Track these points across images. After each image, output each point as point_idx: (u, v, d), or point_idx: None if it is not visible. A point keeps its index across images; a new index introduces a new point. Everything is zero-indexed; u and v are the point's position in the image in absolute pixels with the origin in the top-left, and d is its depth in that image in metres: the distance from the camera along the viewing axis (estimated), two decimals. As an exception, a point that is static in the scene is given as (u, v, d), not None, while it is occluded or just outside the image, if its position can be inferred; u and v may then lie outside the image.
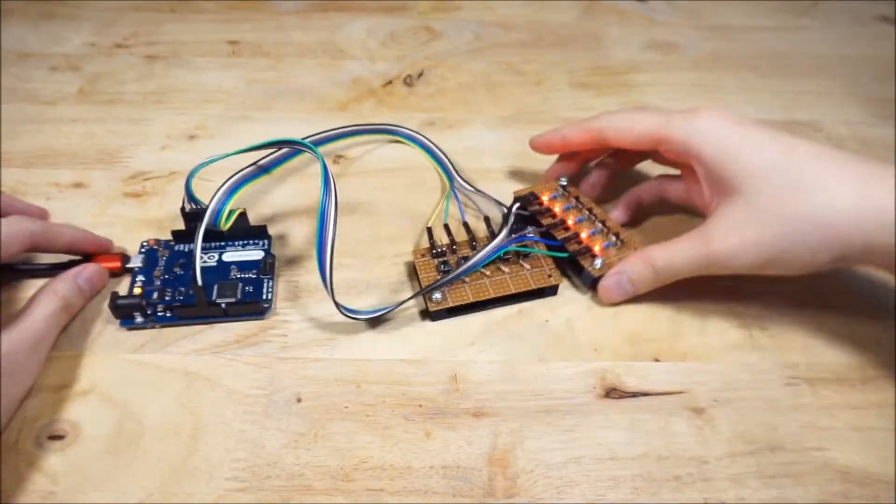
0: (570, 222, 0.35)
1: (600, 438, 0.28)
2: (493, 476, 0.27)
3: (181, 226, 0.35)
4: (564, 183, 0.37)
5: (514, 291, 0.32)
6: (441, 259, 0.33)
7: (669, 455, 0.28)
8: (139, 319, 0.31)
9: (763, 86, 0.49)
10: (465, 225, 0.36)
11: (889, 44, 0.54)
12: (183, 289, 0.32)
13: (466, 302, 0.32)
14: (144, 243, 0.35)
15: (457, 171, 0.39)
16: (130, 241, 0.35)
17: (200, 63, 0.49)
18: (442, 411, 0.29)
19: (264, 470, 0.27)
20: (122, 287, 0.33)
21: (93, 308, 0.32)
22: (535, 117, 0.45)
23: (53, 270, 0.33)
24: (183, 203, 0.34)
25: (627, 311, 0.33)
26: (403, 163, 0.41)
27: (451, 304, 0.32)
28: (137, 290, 0.32)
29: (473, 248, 0.34)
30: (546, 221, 0.35)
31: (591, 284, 0.33)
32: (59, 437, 0.27)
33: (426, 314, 0.32)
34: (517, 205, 0.36)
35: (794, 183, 0.27)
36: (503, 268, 0.33)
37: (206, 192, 0.33)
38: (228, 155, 0.33)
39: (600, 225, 0.35)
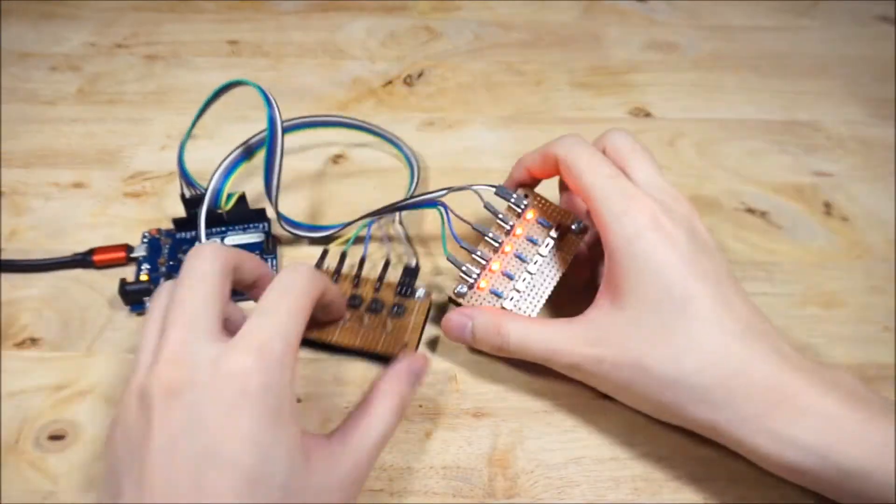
0: (507, 249, 0.30)
1: (600, 439, 0.28)
2: (493, 476, 0.27)
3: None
4: (575, 228, 0.30)
5: (359, 347, 0.29)
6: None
7: (670, 455, 0.28)
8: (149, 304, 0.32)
9: (763, 86, 0.49)
10: (362, 261, 0.32)
11: (889, 44, 0.54)
12: None
13: (308, 336, 0.29)
14: (146, 234, 0.35)
15: (400, 210, 0.35)
16: (130, 242, 0.35)
17: (200, 63, 0.49)
18: (442, 411, 0.29)
19: (264, 470, 0.27)
20: (129, 276, 0.33)
21: (93, 309, 0.32)
22: (535, 117, 0.45)
23: (52, 265, 0.34)
24: (181, 189, 0.34)
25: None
26: (402, 163, 0.41)
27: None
28: (144, 278, 0.33)
29: (355, 285, 0.31)
30: (492, 230, 0.30)
31: (448, 298, 0.31)
32: (59, 437, 0.27)
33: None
34: (492, 189, 0.31)
35: (665, 337, 0.25)
36: (365, 318, 0.30)
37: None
38: (197, 117, 0.33)
39: (525, 278, 0.30)
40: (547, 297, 0.30)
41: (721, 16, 0.56)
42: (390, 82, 0.48)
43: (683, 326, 0.25)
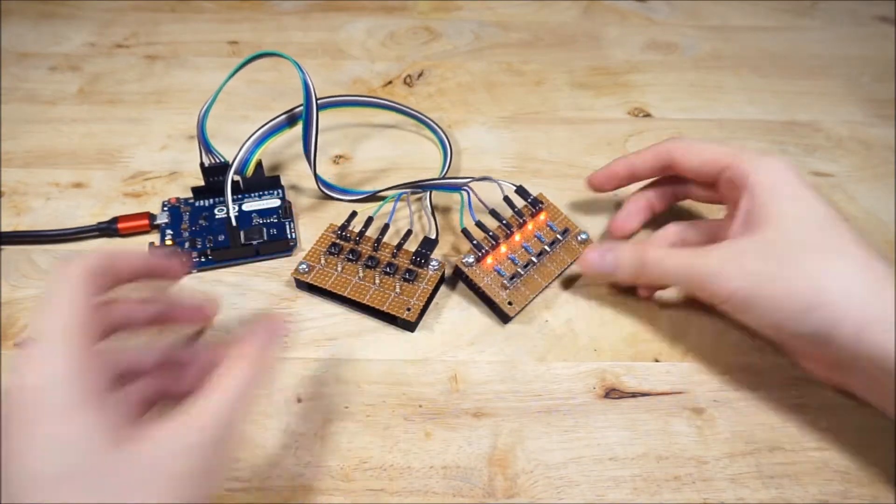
0: (517, 238, 0.33)
1: (600, 439, 0.28)
2: (493, 476, 0.27)
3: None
4: (581, 238, 0.34)
5: (367, 302, 0.31)
6: (343, 241, 0.34)
7: (669, 455, 0.28)
8: None
9: (763, 86, 0.49)
10: (385, 227, 0.34)
11: (889, 44, 0.54)
12: (212, 237, 0.34)
13: (323, 286, 0.32)
14: (166, 202, 0.37)
15: (431, 189, 0.37)
16: (133, 240, 0.35)
17: (200, 63, 0.49)
18: (442, 411, 0.29)
19: (264, 470, 0.27)
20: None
21: (93, 308, 0.32)
22: (535, 117, 0.45)
23: (78, 234, 0.35)
24: (201, 157, 0.35)
25: (627, 311, 0.33)
26: (403, 164, 0.41)
27: (310, 281, 0.32)
28: (169, 243, 0.34)
29: (375, 248, 0.33)
30: (507, 220, 0.33)
31: (455, 267, 0.33)
32: (60, 438, 0.27)
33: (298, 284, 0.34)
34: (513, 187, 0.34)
35: (819, 245, 0.27)
36: (377, 278, 0.32)
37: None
38: (222, 86, 0.35)
39: (528, 264, 0.33)
40: (545, 286, 0.33)
41: (721, 16, 0.56)
42: (390, 82, 0.48)
43: (832, 236, 0.27)
